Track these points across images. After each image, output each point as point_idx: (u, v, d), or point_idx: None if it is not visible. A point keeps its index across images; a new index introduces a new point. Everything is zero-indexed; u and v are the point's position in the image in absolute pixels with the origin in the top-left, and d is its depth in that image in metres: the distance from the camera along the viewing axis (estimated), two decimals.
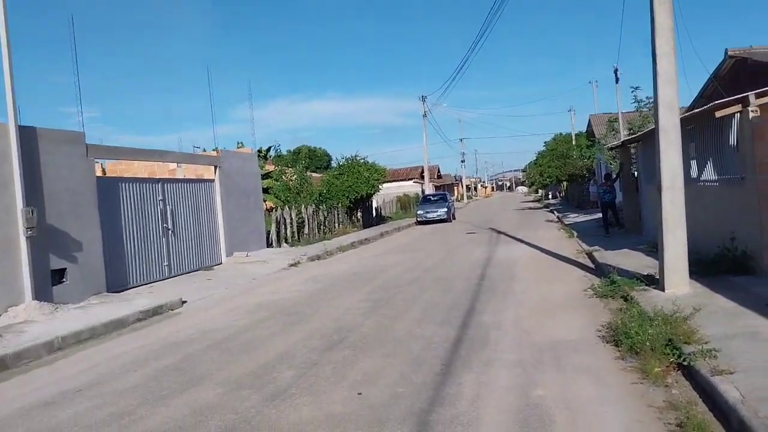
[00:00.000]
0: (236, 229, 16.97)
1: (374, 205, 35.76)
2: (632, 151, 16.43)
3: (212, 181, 16.30)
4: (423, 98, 39.74)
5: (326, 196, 27.53)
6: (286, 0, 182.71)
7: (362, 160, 28.97)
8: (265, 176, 30.80)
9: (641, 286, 8.05)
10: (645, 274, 8.53)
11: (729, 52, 9.99)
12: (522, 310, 7.98)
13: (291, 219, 22.37)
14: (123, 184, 12.75)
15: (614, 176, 17.06)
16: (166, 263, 13.78)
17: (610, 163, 19.96)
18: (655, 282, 8.02)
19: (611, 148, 17.44)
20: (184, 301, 10.45)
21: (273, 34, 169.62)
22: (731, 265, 8.21)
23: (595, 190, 28.97)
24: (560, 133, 45.43)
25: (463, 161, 74.71)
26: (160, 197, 13.81)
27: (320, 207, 25.12)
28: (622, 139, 16.34)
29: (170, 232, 13.98)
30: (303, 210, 23.27)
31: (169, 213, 13.99)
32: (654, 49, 7.42)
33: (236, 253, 16.51)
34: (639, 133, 12.88)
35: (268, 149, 34.22)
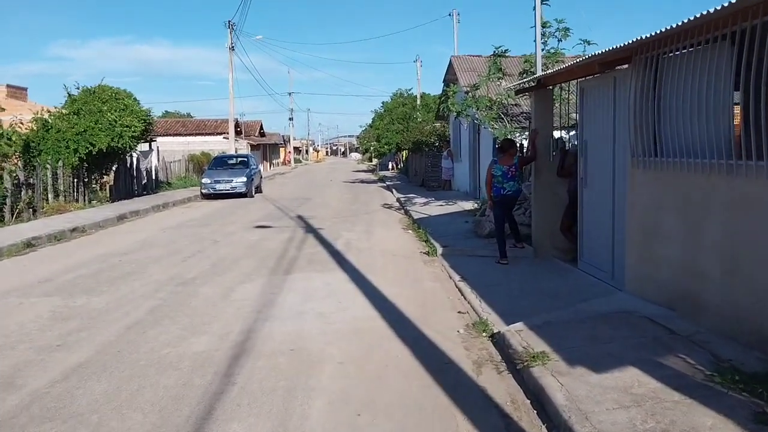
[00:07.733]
0: None
1: (148, 165, 25.11)
2: (557, 101, 8.70)
3: None
4: (230, 25, 29.08)
5: (38, 148, 16.63)
6: None
7: (111, 92, 18.32)
8: None
9: None
10: None
11: None
12: None
13: None
14: None
15: (520, 147, 9.34)
16: None
17: (492, 127, 12.30)
18: None
19: (518, 92, 9.30)
20: None
21: None
22: None
23: (450, 165, 21.75)
24: (400, 90, 37.49)
25: (291, 119, 64.89)
26: None
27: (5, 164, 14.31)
28: (549, 71, 8.31)
29: None
30: None
31: None
32: None
33: None
34: (615, 48, 5.00)
35: None
